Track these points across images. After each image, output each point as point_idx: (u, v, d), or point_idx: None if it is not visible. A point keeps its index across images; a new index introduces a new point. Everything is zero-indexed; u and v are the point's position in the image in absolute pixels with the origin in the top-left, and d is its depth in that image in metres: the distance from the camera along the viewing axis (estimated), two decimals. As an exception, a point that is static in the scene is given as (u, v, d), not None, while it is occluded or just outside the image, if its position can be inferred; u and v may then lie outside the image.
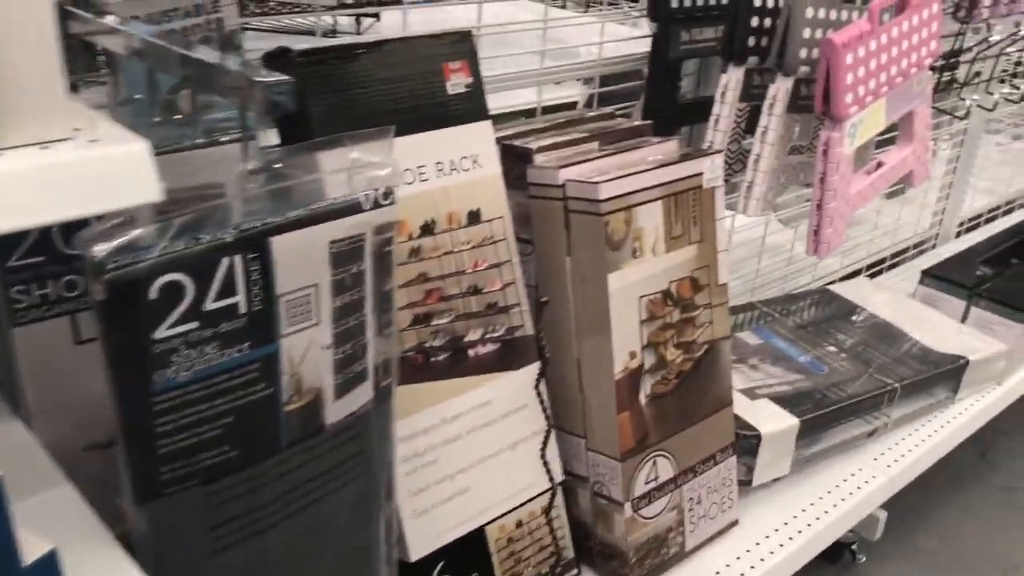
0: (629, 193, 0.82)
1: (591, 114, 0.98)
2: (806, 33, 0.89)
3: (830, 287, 1.40)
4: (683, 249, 0.88)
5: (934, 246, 1.84)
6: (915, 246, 1.82)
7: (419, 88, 0.79)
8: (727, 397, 0.95)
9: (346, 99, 0.74)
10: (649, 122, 0.95)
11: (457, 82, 0.81)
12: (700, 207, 0.89)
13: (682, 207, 0.87)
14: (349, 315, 0.58)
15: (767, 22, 0.93)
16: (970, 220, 1.91)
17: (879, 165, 0.98)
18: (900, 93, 0.94)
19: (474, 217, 0.82)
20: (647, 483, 0.88)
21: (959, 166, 1.78)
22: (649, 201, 0.84)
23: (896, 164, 0.99)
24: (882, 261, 1.71)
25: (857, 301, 1.35)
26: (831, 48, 0.83)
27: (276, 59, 0.73)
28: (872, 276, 1.66)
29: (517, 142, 0.87)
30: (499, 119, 0.90)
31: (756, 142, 0.93)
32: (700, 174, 0.88)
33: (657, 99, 1.02)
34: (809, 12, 0.89)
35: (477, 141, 0.82)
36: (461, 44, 0.82)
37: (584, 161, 0.85)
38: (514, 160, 0.87)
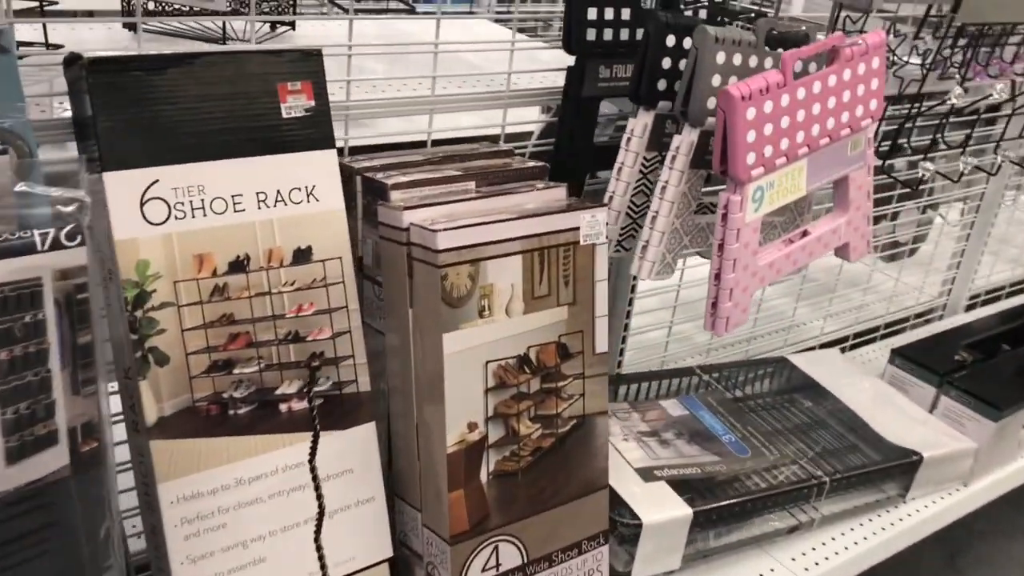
0: (478, 244, 0.73)
1: (484, 149, 0.89)
2: (715, 80, 0.78)
3: (791, 357, 1.27)
4: (548, 311, 0.78)
5: (941, 317, 1.69)
6: (919, 315, 1.67)
7: (243, 109, 0.70)
8: (601, 479, 0.84)
9: (146, 116, 0.66)
10: (543, 164, 0.85)
11: (295, 105, 0.73)
12: (574, 265, 0.79)
13: (550, 264, 0.77)
14: (24, 370, 0.50)
15: (682, 64, 0.83)
16: (987, 293, 1.75)
17: (804, 234, 0.86)
18: (826, 156, 0.82)
19: (302, 255, 0.73)
20: (485, 570, 0.78)
21: (973, 231, 1.62)
22: (504, 255, 0.74)
23: (824, 235, 0.87)
24: (875, 329, 1.57)
25: (817, 376, 1.22)
26: (728, 101, 0.72)
27: (70, 66, 0.66)
28: (860, 345, 1.52)
29: (379, 175, 0.79)
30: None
31: (655, 198, 0.82)
32: (575, 229, 0.78)
33: (568, 139, 0.92)
34: (720, 56, 0.78)
35: (316, 172, 0.74)
36: (304, 63, 0.73)
37: (442, 203, 0.76)
38: (372, 195, 0.78)
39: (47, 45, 0.82)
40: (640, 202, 0.88)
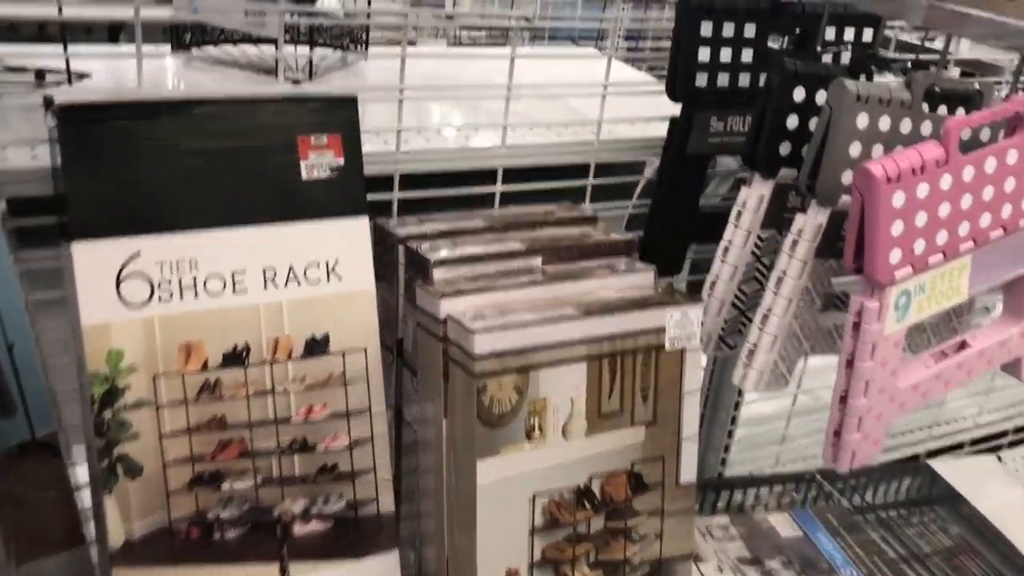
0: (529, 349, 0.57)
1: (563, 213, 0.73)
2: (853, 149, 0.61)
3: (933, 463, 1.06)
4: (619, 432, 0.62)
5: None
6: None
7: (252, 167, 0.58)
8: (678, 637, 0.67)
9: (129, 174, 0.55)
10: (631, 238, 0.70)
11: (319, 162, 0.60)
12: (656, 375, 0.62)
13: (624, 374, 0.61)
14: None
15: (812, 123, 0.65)
16: None
17: (962, 347, 0.67)
18: (998, 252, 0.63)
19: (316, 346, 0.60)
20: None
21: None
22: (563, 362, 0.59)
23: (990, 348, 0.68)
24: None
25: (964, 490, 1.01)
26: (868, 182, 0.55)
27: (47, 109, 0.54)
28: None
29: (424, 246, 0.64)
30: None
31: (768, 291, 0.65)
32: (659, 330, 0.62)
33: (666, 205, 0.75)
34: (862, 119, 0.60)
35: (340, 244, 0.60)
36: (333, 112, 0.60)
37: (494, 289, 0.61)
38: (415, 269, 0.64)
39: (69, 77, 0.72)
40: (750, 290, 0.70)
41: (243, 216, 0.57)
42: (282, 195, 0.59)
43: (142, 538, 0.56)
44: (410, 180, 0.70)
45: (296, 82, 0.83)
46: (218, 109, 0.57)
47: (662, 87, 0.72)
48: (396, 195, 0.70)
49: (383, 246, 0.65)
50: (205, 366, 0.57)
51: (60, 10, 0.60)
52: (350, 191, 0.61)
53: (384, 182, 0.69)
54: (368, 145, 0.63)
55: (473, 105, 0.85)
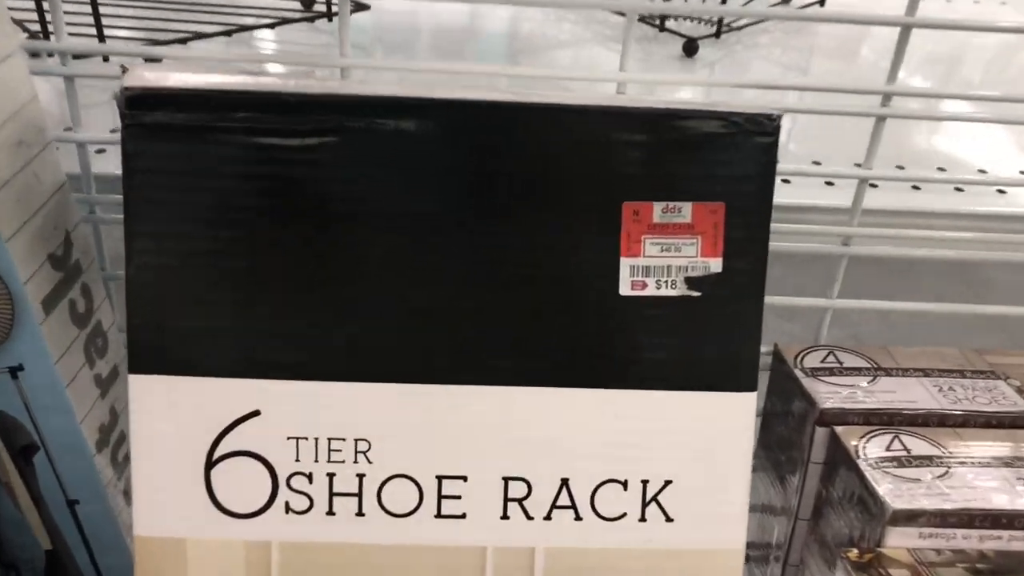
0: None
1: None
2: None
3: None
4: None
5: None
6: None
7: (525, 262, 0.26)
8: None
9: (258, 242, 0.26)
10: None
11: (662, 264, 0.26)
12: None
13: None
14: None
15: None
16: None
17: None
18: None
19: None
20: None
21: None
22: None
23: None
24: None
25: None
26: None
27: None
28: None
29: (874, 451, 0.29)
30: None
31: None
32: None
33: None
34: None
35: (687, 446, 0.27)
36: (734, 148, 0.26)
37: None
38: (848, 502, 0.30)
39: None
40: None
41: (484, 370, 0.26)
42: (575, 330, 0.26)
43: None
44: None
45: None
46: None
47: None
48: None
49: (779, 397, 0.31)
50: (358, 653, 0.27)
51: None
52: (726, 340, 0.27)
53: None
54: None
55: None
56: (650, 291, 0.26)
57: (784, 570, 0.34)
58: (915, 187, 0.60)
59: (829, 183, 0.57)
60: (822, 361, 0.34)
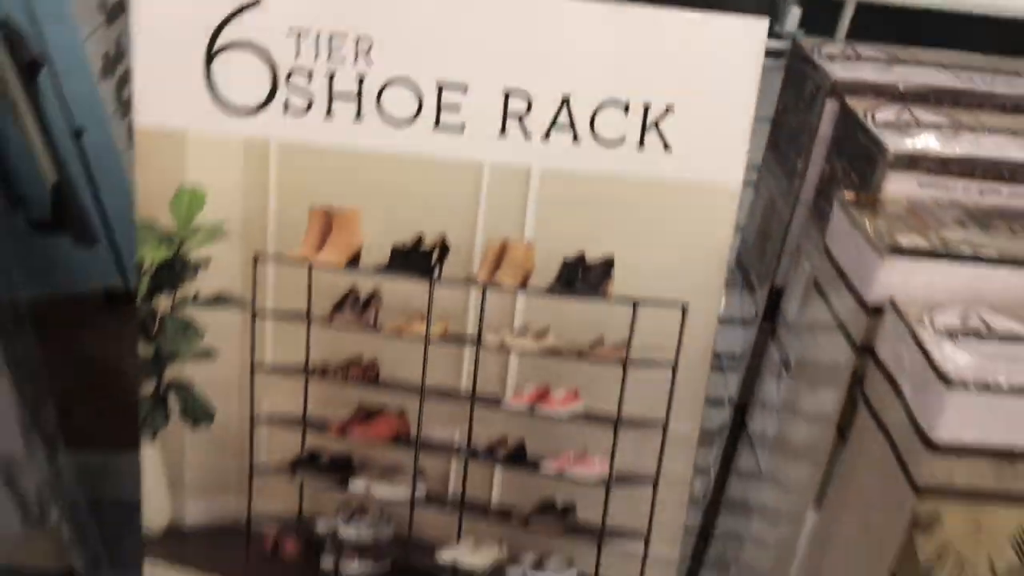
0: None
1: None
2: None
3: None
4: None
5: None
6: None
7: None
8: None
9: None
10: None
11: None
12: None
13: None
14: None
15: None
16: None
17: None
18: None
19: (581, 273, 0.29)
20: None
21: None
22: None
23: None
24: None
25: None
26: None
27: None
28: None
29: (885, 113, 0.29)
30: None
31: None
32: None
33: None
34: None
35: (690, 71, 0.27)
36: None
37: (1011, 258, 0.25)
38: (849, 160, 0.30)
39: None
40: None
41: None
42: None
43: (196, 528, 0.31)
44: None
45: None
46: None
47: None
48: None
49: (793, 91, 0.31)
50: (356, 259, 0.28)
51: None
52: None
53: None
54: None
55: None
56: None
57: (779, 258, 0.34)
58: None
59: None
60: (842, 51, 0.34)
